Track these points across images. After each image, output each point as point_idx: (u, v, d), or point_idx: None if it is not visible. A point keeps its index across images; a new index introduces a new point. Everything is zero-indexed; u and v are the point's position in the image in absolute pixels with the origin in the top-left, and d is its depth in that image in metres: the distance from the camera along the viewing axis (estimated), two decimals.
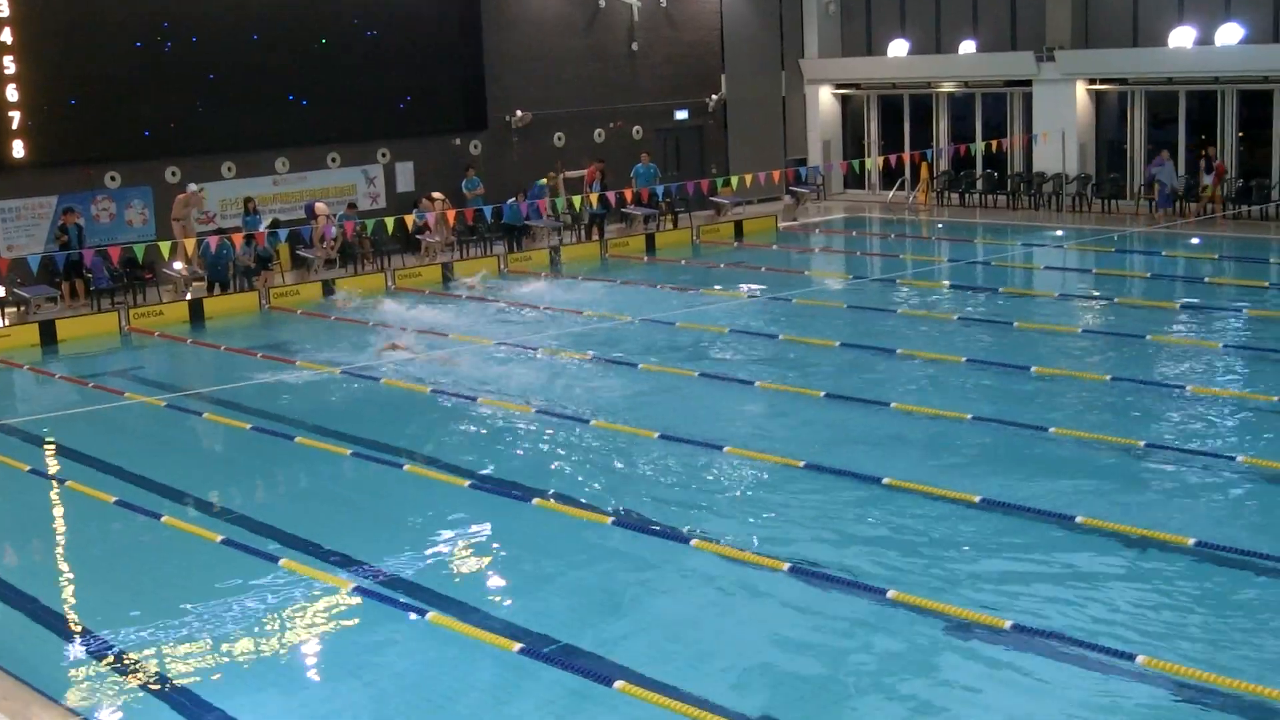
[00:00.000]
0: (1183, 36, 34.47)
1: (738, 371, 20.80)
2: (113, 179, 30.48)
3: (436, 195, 33.28)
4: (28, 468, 17.84)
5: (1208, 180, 33.32)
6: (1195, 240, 31.27)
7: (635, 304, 26.68)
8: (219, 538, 14.60)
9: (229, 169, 32.00)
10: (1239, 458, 15.41)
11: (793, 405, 19.01)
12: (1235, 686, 10.16)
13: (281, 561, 13.80)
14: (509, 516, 15.19)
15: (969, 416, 17.64)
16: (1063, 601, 12.00)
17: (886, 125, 41.83)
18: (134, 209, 30.77)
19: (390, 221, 29.20)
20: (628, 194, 33.48)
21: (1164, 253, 29.70)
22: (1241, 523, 13.63)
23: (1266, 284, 26.03)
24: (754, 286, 28.00)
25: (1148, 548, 13.05)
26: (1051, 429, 16.82)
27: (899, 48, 40.50)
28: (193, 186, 30.29)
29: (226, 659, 11.88)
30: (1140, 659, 10.63)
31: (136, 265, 28.84)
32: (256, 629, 12.43)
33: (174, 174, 31.13)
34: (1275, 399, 17.73)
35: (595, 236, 34.75)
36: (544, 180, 35.13)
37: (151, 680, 11.41)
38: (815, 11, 41.55)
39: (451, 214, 30.59)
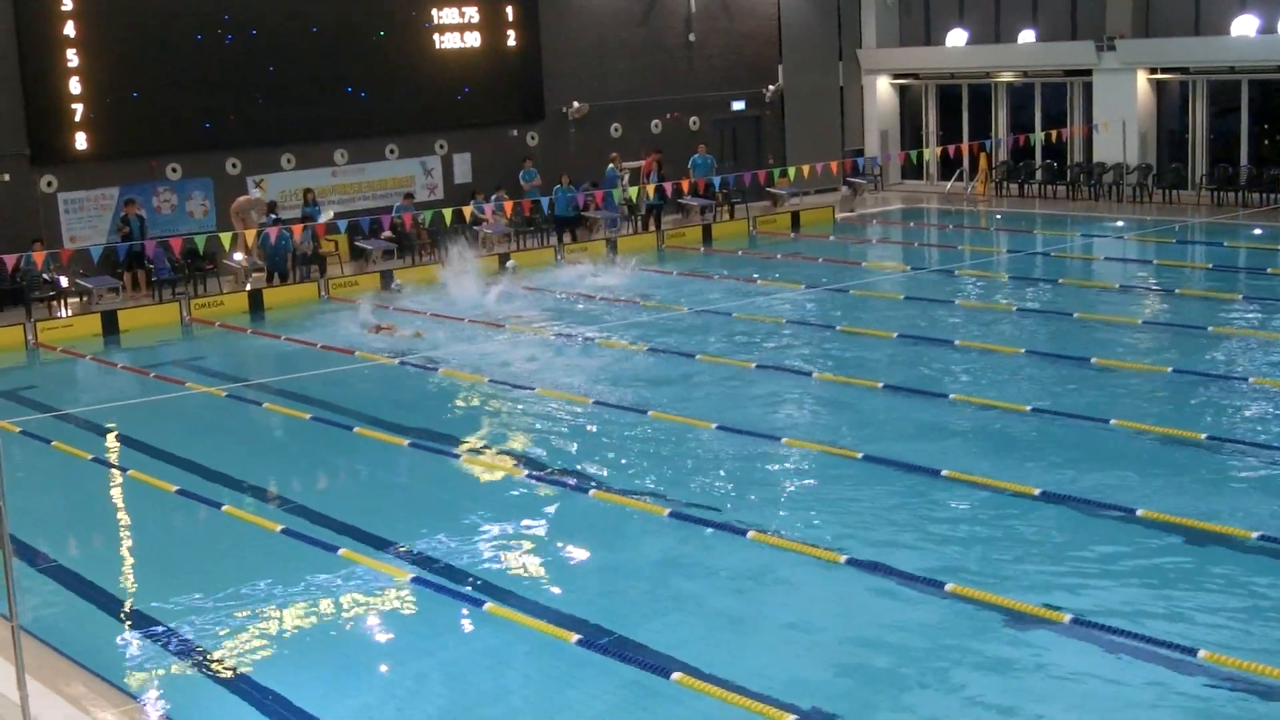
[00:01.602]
0: (1245, 25, 34.10)
1: (795, 362, 20.75)
2: (174, 171, 30.72)
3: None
4: (90, 457, 18.01)
5: None
6: (1258, 231, 30.96)
7: (692, 295, 26.65)
8: (279, 527, 14.70)
9: (288, 161, 32.19)
10: None
11: (850, 396, 18.95)
12: None
13: (340, 551, 13.87)
14: (565, 507, 15.22)
15: (1028, 408, 17.54)
16: (1122, 595, 11.91)
17: (945, 115, 41.60)
18: (194, 200, 31.01)
19: (448, 212, 29.31)
20: (684, 185, 33.47)
21: (1226, 243, 29.42)
22: None
23: None
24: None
25: (1209, 542, 12.94)
26: (1112, 421, 16.69)
27: (957, 37, 40.27)
28: (256, 192, 30.45)
29: (284, 646, 11.97)
30: (1202, 654, 10.53)
31: (197, 256, 29.11)
32: (315, 617, 12.51)
33: (234, 166, 31.35)
34: None
35: (652, 227, 34.73)
36: (610, 164, 35.21)
37: (211, 666, 11.50)
38: (873, 1, 41.36)
39: (509, 205, 30.66)
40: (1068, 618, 11.33)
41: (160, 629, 12.33)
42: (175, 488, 16.28)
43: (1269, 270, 26.67)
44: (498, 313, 25.85)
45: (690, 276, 28.86)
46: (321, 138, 32.58)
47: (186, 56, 30.61)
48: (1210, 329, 21.35)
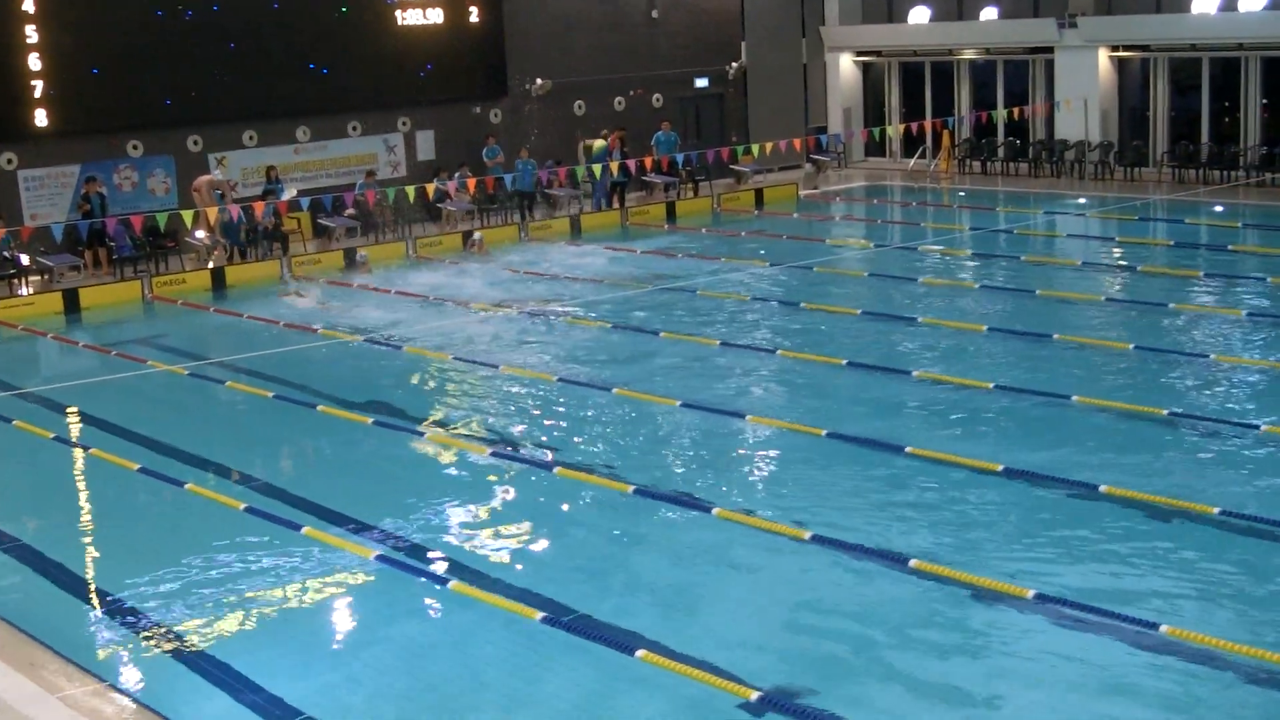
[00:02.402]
0: (1206, 3, 34.22)
1: (759, 340, 20.78)
2: (135, 148, 30.54)
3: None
4: (52, 435, 17.92)
5: None
6: (1218, 208, 31.12)
7: (656, 272, 26.65)
8: (242, 505, 14.66)
9: (250, 138, 32.03)
10: (1263, 426, 15.36)
11: (814, 373, 18.99)
12: (1259, 656, 10.14)
13: (304, 529, 13.85)
14: (530, 485, 15.23)
15: (991, 385, 17.61)
16: (1086, 570, 11.98)
17: (907, 93, 41.64)
18: (156, 178, 30.83)
19: (411, 190, 29.17)
20: (648, 162, 33.45)
21: (1187, 220, 29.57)
22: (1266, 492, 13.58)
23: None
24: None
25: (1172, 517, 13.02)
26: (1074, 397, 16.78)
27: (920, 14, 40.31)
28: (217, 173, 30.20)
29: (248, 625, 11.94)
30: (1164, 628, 10.62)
31: (159, 234, 28.93)
32: (279, 596, 12.48)
33: (195, 143, 31.18)
34: None
35: (616, 204, 34.69)
36: (601, 142, 35.18)
37: (173, 645, 11.46)
38: None
39: (472, 182, 30.59)
40: (1030, 593, 11.39)
41: (124, 608, 12.28)
42: (137, 466, 16.22)
43: (1230, 247, 26.85)
44: (466, 290, 25.81)
45: (654, 254, 28.84)
46: (283, 115, 32.40)
47: (147, 32, 30.38)
48: (1172, 305, 21.46)
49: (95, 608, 12.54)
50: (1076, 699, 9.87)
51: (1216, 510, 12.92)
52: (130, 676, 11.04)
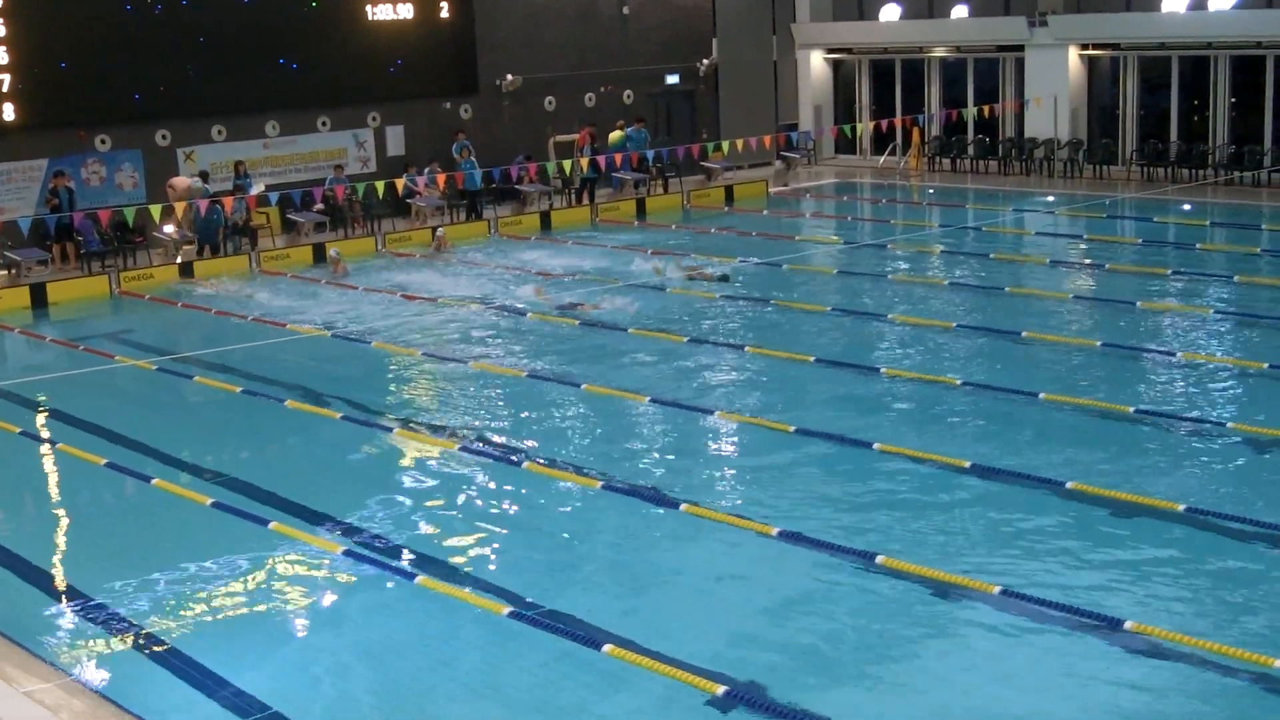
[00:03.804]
0: (1176, 2, 34.41)
1: (728, 336, 20.80)
2: (103, 142, 30.39)
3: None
4: (19, 430, 17.83)
5: None
6: (1187, 207, 31.26)
7: (625, 269, 26.66)
8: (209, 500, 14.61)
9: (219, 132, 31.89)
10: (1229, 424, 15.45)
11: (783, 370, 19.01)
12: (1222, 652, 10.19)
13: (271, 524, 13.81)
14: (499, 480, 15.21)
15: (959, 382, 17.67)
16: (1051, 567, 12.03)
17: (878, 90, 41.72)
18: (124, 172, 30.67)
19: (380, 185, 29.10)
20: (618, 159, 33.47)
21: (1155, 219, 29.70)
22: (1231, 489, 13.65)
23: (1258, 250, 26.03)
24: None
25: (1137, 514, 13.08)
26: (1042, 395, 16.83)
27: (891, 12, 40.41)
28: (196, 182, 29.96)
29: (216, 620, 11.91)
30: (1129, 624, 10.66)
31: (127, 228, 28.79)
32: (246, 591, 12.45)
33: (164, 137, 31.04)
34: (1265, 365, 17.76)
35: (585, 201, 34.67)
36: (619, 133, 35.71)
37: (139, 640, 11.43)
38: None
39: (442, 178, 30.52)
40: (997, 589, 11.43)
41: (89, 603, 12.23)
42: (104, 461, 16.16)
43: (1197, 246, 26.97)
44: (433, 286, 25.79)
45: (624, 250, 28.84)
46: (253, 109, 32.25)
47: (116, 26, 30.22)
48: (1139, 304, 21.55)
49: (60, 602, 12.49)
50: (1042, 693, 9.91)
51: (1182, 507, 12.98)
52: (96, 671, 11.00)
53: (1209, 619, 10.95)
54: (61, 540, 14.43)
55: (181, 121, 31.24)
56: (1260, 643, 10.41)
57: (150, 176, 30.65)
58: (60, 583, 13.01)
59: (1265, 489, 13.69)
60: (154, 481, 15.39)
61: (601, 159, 32.90)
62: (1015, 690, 9.99)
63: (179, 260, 28.71)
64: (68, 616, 12.14)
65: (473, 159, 33.03)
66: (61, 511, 15.36)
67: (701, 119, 40.23)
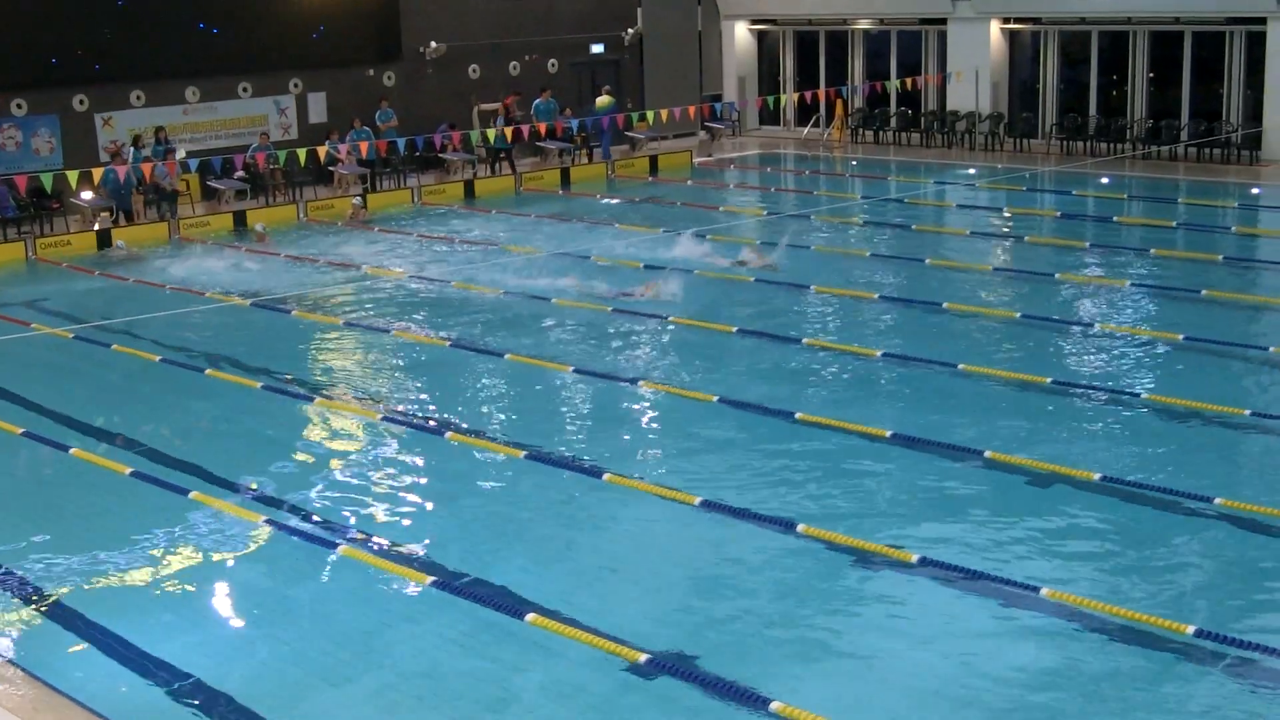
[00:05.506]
0: None
1: (651, 306, 20.81)
2: (19, 107, 29.96)
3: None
4: None
5: None
6: (1105, 180, 31.57)
7: (549, 237, 26.63)
8: (128, 470, 14.48)
9: (138, 98, 31.52)
10: (1143, 394, 15.66)
11: (706, 341, 19.06)
12: (1135, 618, 10.35)
13: (192, 494, 13.72)
14: (421, 450, 15.18)
15: (880, 353, 17.79)
16: (970, 535, 12.16)
17: (802, 62, 41.81)
18: (40, 137, 30.27)
19: (303, 153, 28.92)
20: (541, 128, 33.41)
21: (1074, 192, 29.98)
22: (1146, 458, 13.84)
23: (1174, 224, 26.32)
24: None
25: (1054, 483, 13.24)
26: (961, 365, 16.98)
27: None
28: (129, 149, 29.61)
29: (135, 591, 11.81)
30: (1045, 591, 10.80)
31: (43, 194, 28.41)
32: (165, 561, 12.36)
33: (82, 102, 30.65)
34: (1180, 337, 17.98)
35: (507, 170, 34.55)
36: (607, 99, 36.40)
37: (59, 611, 11.33)
38: None
39: (364, 146, 30.34)
40: (915, 557, 11.54)
41: (6, 573, 12.11)
42: (21, 430, 15.99)
43: (1115, 219, 27.25)
44: (356, 255, 25.66)
45: (548, 219, 28.79)
46: (173, 74, 31.90)
47: None
48: (1058, 275, 21.77)
49: None
50: (961, 658, 10.03)
51: (1097, 476, 13.15)
52: (13, 643, 10.89)
53: (1124, 585, 11.11)
54: None
55: (99, 87, 30.86)
56: (1173, 608, 10.59)
57: (68, 141, 30.28)
58: None
59: (1178, 458, 13.90)
60: (72, 451, 15.23)
61: (525, 128, 32.75)
62: (936, 656, 10.09)
63: (96, 228, 28.37)
64: None
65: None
66: None
67: (626, 88, 40.17)
